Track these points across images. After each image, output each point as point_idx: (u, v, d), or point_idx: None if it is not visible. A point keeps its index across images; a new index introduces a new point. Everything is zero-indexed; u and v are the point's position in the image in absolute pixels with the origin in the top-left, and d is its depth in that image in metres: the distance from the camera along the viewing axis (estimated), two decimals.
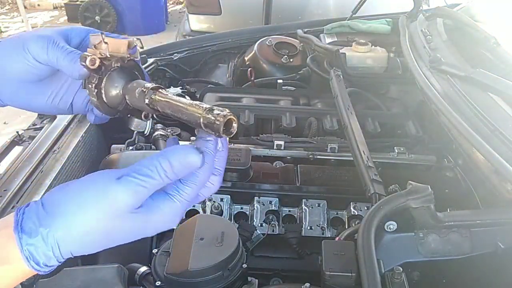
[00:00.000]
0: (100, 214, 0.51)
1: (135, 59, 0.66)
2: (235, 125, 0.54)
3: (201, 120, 0.53)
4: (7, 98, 0.69)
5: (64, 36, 0.68)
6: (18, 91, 0.68)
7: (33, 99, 0.70)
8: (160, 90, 0.60)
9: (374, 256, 0.79)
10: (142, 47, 0.67)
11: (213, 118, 0.52)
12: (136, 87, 0.62)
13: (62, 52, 0.64)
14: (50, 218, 0.50)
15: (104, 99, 0.64)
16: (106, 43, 0.62)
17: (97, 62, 0.61)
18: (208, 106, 0.54)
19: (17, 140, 1.35)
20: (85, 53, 0.62)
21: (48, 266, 0.51)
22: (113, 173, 0.53)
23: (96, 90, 0.63)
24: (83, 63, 0.61)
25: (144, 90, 0.61)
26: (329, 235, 1.18)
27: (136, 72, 0.67)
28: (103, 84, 0.63)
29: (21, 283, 0.90)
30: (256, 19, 3.27)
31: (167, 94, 0.60)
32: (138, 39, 0.66)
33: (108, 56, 0.62)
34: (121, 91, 0.64)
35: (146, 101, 0.60)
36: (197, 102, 0.56)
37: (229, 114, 0.53)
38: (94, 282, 0.87)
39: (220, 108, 0.53)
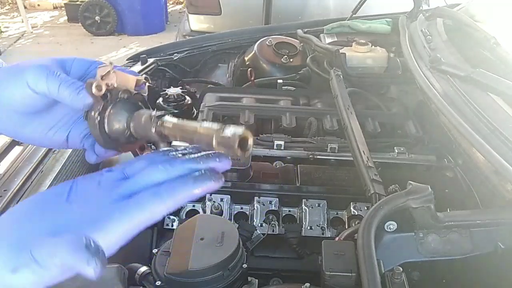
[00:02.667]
0: None
1: (144, 94, 0.63)
2: (251, 141, 0.52)
3: (214, 139, 0.51)
4: None
5: (64, 66, 0.64)
6: (10, 121, 0.64)
7: (26, 131, 0.65)
8: (168, 115, 0.58)
9: (374, 256, 0.79)
10: (150, 84, 0.64)
11: (227, 136, 0.50)
12: (143, 114, 0.60)
13: (63, 81, 0.59)
14: None
15: (106, 129, 0.61)
16: (114, 72, 0.59)
17: (104, 89, 0.58)
18: (219, 124, 0.52)
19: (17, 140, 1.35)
20: (91, 79, 0.59)
21: None
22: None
23: (99, 118, 0.59)
24: (89, 90, 0.58)
25: (151, 117, 0.58)
26: (329, 235, 1.18)
27: (143, 106, 0.64)
28: (107, 113, 0.60)
29: None
30: (256, 19, 3.27)
31: (175, 119, 0.57)
32: (147, 77, 0.64)
33: (115, 86, 0.59)
34: (125, 123, 0.61)
35: (153, 128, 0.57)
36: (207, 126, 0.54)
37: (243, 130, 0.51)
38: (94, 282, 0.87)
39: (233, 125, 0.52)
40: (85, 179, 0.51)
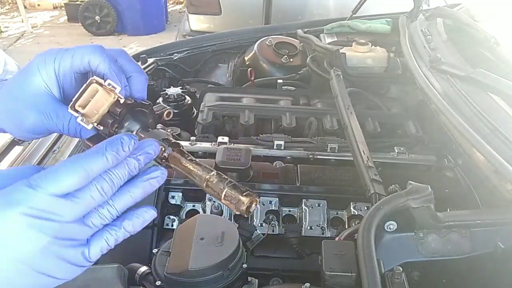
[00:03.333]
0: None
1: (121, 101, 0.58)
2: (254, 206, 0.54)
3: (224, 193, 0.53)
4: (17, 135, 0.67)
5: (46, 94, 0.62)
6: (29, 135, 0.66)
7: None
8: (178, 148, 0.59)
9: (374, 256, 0.79)
10: (118, 85, 0.59)
11: (237, 196, 0.53)
12: (157, 136, 0.60)
13: (62, 124, 0.60)
14: None
15: None
16: (88, 118, 0.57)
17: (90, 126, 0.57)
18: (231, 180, 0.54)
19: (17, 140, 1.35)
20: (86, 140, 0.60)
21: None
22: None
23: None
24: (88, 146, 0.58)
25: (162, 147, 0.58)
26: (329, 235, 1.18)
27: (137, 108, 0.62)
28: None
29: None
30: (256, 19, 3.27)
31: (186, 155, 0.58)
32: (107, 81, 0.58)
33: (101, 128, 0.58)
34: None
35: (163, 158, 0.58)
36: (220, 173, 0.56)
37: (252, 194, 0.53)
38: (94, 282, 0.87)
39: (242, 186, 0.54)
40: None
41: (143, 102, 0.63)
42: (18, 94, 0.62)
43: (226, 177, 0.56)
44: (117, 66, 0.62)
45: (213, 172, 0.56)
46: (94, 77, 0.58)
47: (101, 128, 0.58)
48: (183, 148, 0.60)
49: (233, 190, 0.53)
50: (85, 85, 0.58)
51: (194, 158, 0.59)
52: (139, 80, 0.65)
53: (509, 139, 0.94)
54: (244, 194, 0.53)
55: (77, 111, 0.57)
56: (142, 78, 0.65)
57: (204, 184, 0.56)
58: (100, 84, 0.57)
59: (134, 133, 0.61)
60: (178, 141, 0.60)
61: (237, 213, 0.54)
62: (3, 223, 0.44)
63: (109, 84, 0.57)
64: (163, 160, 0.59)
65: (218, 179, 0.55)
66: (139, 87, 0.64)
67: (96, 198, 0.48)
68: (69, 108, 0.58)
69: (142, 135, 0.60)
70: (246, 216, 0.55)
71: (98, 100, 0.57)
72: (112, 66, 0.61)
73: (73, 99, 0.58)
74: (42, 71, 0.62)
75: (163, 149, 0.58)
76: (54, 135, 1.31)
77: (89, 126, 0.58)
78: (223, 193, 0.54)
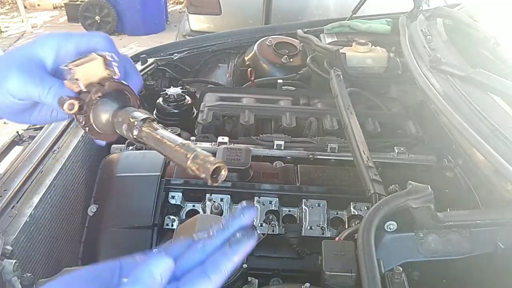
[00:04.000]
0: None
1: (114, 77, 0.60)
2: (224, 173, 0.52)
3: (189, 162, 0.51)
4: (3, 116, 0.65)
5: (36, 59, 0.61)
6: (11, 112, 0.64)
7: (31, 118, 0.66)
8: (148, 122, 0.57)
9: (374, 256, 0.79)
10: (117, 61, 0.60)
11: (200, 162, 0.51)
12: (124, 120, 0.58)
13: (41, 88, 0.58)
14: None
15: (98, 130, 0.61)
16: (76, 79, 0.56)
17: (76, 106, 0.57)
18: (198, 150, 0.52)
19: (17, 140, 1.35)
20: (62, 97, 0.57)
21: None
22: None
23: (87, 128, 0.60)
24: (63, 110, 0.57)
25: (131, 122, 0.57)
26: (329, 235, 1.18)
27: (123, 93, 0.62)
28: (91, 120, 0.60)
29: (21, 283, 0.91)
30: (256, 19, 3.27)
31: (156, 128, 0.56)
32: (110, 54, 0.59)
33: (84, 90, 0.58)
34: (110, 119, 0.60)
35: (135, 133, 0.57)
36: (188, 143, 0.53)
37: (218, 162, 0.51)
38: None
39: (207, 154, 0.52)
40: (133, 264, 0.53)
41: (130, 87, 0.63)
42: (12, 54, 0.62)
43: (193, 146, 0.53)
44: (120, 56, 0.62)
45: (181, 141, 0.54)
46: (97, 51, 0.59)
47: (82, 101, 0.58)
48: (151, 122, 0.58)
49: (198, 158, 0.51)
50: (85, 55, 0.59)
51: (165, 129, 0.57)
52: (136, 79, 0.65)
53: (509, 139, 0.94)
54: (210, 161, 0.50)
55: (69, 70, 0.57)
56: (139, 79, 0.66)
57: (171, 155, 0.54)
58: (101, 56, 0.58)
59: (112, 111, 0.60)
60: (149, 116, 0.58)
61: (203, 177, 0.51)
62: None
63: (111, 57, 0.58)
64: (134, 138, 0.58)
65: (187, 145, 0.53)
66: (133, 82, 0.64)
67: None
68: (63, 65, 0.58)
69: (115, 119, 0.60)
70: (212, 184, 0.52)
71: (93, 69, 0.57)
72: (117, 53, 0.62)
73: (70, 61, 0.58)
74: (43, 44, 0.62)
75: (135, 123, 0.57)
76: (54, 136, 1.31)
77: (76, 88, 0.57)
78: (191, 155, 0.51)
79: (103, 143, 0.67)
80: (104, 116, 0.60)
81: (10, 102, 0.60)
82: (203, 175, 0.50)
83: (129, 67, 0.65)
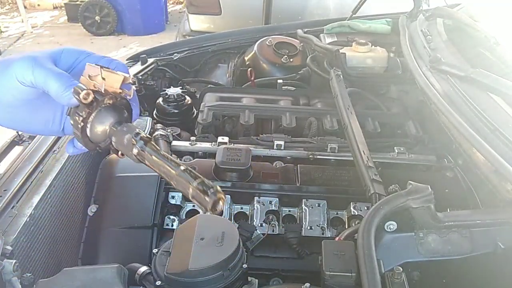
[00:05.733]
0: None
1: (128, 96, 0.63)
2: (221, 204, 0.54)
3: (190, 191, 0.54)
4: None
5: (52, 57, 0.64)
6: (8, 115, 0.64)
7: (26, 122, 0.67)
8: (150, 143, 0.59)
9: (374, 256, 0.79)
10: (136, 85, 0.64)
11: (203, 195, 0.53)
12: (126, 133, 0.60)
13: (50, 73, 0.59)
14: None
15: (88, 134, 0.61)
16: (103, 78, 0.59)
17: (91, 97, 0.58)
18: (199, 177, 0.55)
19: (17, 140, 1.35)
20: (80, 85, 0.59)
21: None
22: None
23: (82, 124, 0.60)
24: (76, 96, 0.58)
25: (134, 140, 0.58)
26: (329, 235, 1.18)
27: (126, 111, 0.64)
28: (90, 119, 0.60)
29: (21, 283, 0.91)
30: (256, 19, 3.27)
31: (158, 150, 0.58)
32: (134, 76, 0.63)
33: (103, 92, 0.60)
34: (108, 130, 0.61)
35: (135, 151, 0.58)
36: (189, 169, 0.56)
37: (219, 192, 0.54)
38: (94, 282, 0.87)
39: (210, 183, 0.55)
40: None
41: (129, 102, 0.65)
42: (32, 51, 0.64)
43: (194, 173, 0.55)
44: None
45: (181, 168, 0.56)
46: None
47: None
48: (153, 143, 0.60)
49: (199, 189, 0.54)
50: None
51: (165, 153, 0.59)
52: (136, 108, 0.68)
53: (509, 139, 0.94)
54: (210, 193, 0.53)
55: (97, 68, 0.59)
56: (137, 110, 0.69)
57: (173, 181, 0.56)
58: (123, 75, 0.61)
59: (113, 122, 0.61)
60: (149, 136, 0.60)
61: (203, 207, 0.54)
62: None
63: (131, 80, 0.61)
64: (135, 156, 0.59)
65: (186, 175, 0.55)
66: (134, 111, 0.67)
67: None
68: (91, 64, 0.61)
69: (114, 129, 0.61)
70: (213, 213, 0.55)
71: (113, 81, 0.60)
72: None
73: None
74: (63, 50, 0.66)
75: (134, 143, 0.59)
76: (53, 137, 1.31)
77: (92, 87, 0.59)
78: (190, 191, 0.54)
79: (71, 150, 0.68)
80: (104, 122, 0.61)
81: (13, 88, 0.61)
82: (203, 207, 0.54)
83: (133, 99, 0.68)
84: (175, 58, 2.14)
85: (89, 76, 0.59)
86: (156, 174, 1.26)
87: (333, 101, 1.46)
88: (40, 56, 0.62)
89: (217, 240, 0.93)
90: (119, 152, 0.62)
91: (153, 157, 0.57)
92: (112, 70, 0.60)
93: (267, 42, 2.15)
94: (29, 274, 0.93)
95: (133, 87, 0.63)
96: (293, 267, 1.14)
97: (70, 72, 0.64)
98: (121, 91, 0.61)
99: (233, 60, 2.32)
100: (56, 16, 8.23)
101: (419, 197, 0.85)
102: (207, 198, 0.53)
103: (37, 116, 0.66)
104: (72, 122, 0.61)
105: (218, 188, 0.54)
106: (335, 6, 3.71)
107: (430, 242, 0.90)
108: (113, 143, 0.61)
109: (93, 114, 0.60)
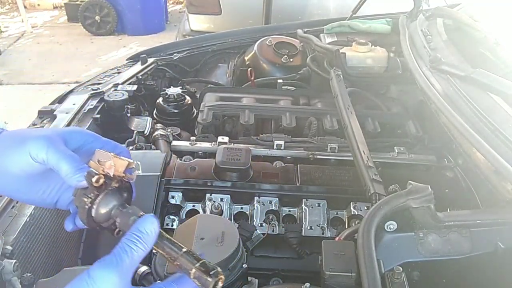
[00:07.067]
0: None
1: (131, 180, 0.68)
2: (221, 284, 0.59)
3: (192, 272, 0.58)
4: None
5: (63, 137, 0.69)
6: (7, 185, 0.69)
7: (22, 194, 0.71)
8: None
9: (374, 256, 0.79)
10: (139, 171, 0.70)
11: (205, 275, 0.58)
12: (131, 215, 0.65)
13: (62, 155, 0.64)
14: None
15: (93, 214, 0.65)
16: (113, 165, 0.64)
17: (101, 181, 0.63)
18: (201, 259, 0.59)
19: None
20: (92, 170, 0.63)
21: None
22: None
23: (89, 205, 0.64)
24: (89, 180, 0.62)
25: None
26: (329, 235, 1.18)
27: (126, 194, 0.69)
28: (97, 200, 0.65)
29: (21, 283, 0.91)
30: (256, 19, 3.27)
31: (162, 233, 0.62)
32: (138, 162, 0.69)
33: (112, 176, 0.64)
34: (110, 213, 0.66)
35: None
36: (191, 252, 0.61)
37: (220, 274, 0.58)
38: None
39: (212, 265, 0.59)
40: None
41: (131, 185, 0.71)
42: (42, 128, 0.69)
43: (195, 255, 0.60)
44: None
45: (183, 250, 0.61)
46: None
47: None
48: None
49: (201, 270, 0.58)
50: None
51: (166, 235, 0.63)
52: (133, 192, 0.72)
53: (509, 139, 0.94)
54: (211, 273, 0.58)
55: (109, 155, 0.65)
56: (134, 193, 0.73)
57: (177, 262, 0.61)
58: (128, 161, 0.66)
59: (112, 207, 0.66)
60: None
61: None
62: None
63: (135, 166, 0.68)
64: None
65: (187, 258, 0.60)
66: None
67: None
68: (100, 149, 0.66)
69: (119, 210, 0.66)
70: None
71: (118, 165, 0.65)
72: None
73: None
74: (72, 131, 0.72)
75: None
76: None
77: (101, 171, 0.64)
78: (191, 273, 0.58)
79: (71, 227, 0.73)
80: (109, 205, 0.66)
81: (24, 163, 0.65)
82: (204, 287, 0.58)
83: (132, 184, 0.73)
84: (175, 58, 2.14)
85: (99, 161, 0.64)
86: (156, 174, 1.26)
87: (333, 101, 1.46)
88: (54, 137, 0.67)
89: (217, 240, 0.93)
90: (115, 232, 0.67)
91: (157, 243, 0.62)
92: (117, 155, 0.66)
93: (267, 42, 2.15)
94: (29, 274, 0.93)
95: (137, 171, 0.69)
96: (293, 267, 1.13)
97: (78, 153, 0.68)
98: (124, 175, 0.66)
99: (233, 60, 2.32)
100: (56, 16, 8.23)
101: (419, 197, 0.85)
102: (209, 279, 0.57)
103: (34, 187, 0.71)
104: (77, 202, 0.66)
105: (219, 269, 0.59)
106: (335, 6, 3.71)
107: (430, 242, 0.89)
108: (117, 223, 0.66)
109: (100, 196, 0.65)
